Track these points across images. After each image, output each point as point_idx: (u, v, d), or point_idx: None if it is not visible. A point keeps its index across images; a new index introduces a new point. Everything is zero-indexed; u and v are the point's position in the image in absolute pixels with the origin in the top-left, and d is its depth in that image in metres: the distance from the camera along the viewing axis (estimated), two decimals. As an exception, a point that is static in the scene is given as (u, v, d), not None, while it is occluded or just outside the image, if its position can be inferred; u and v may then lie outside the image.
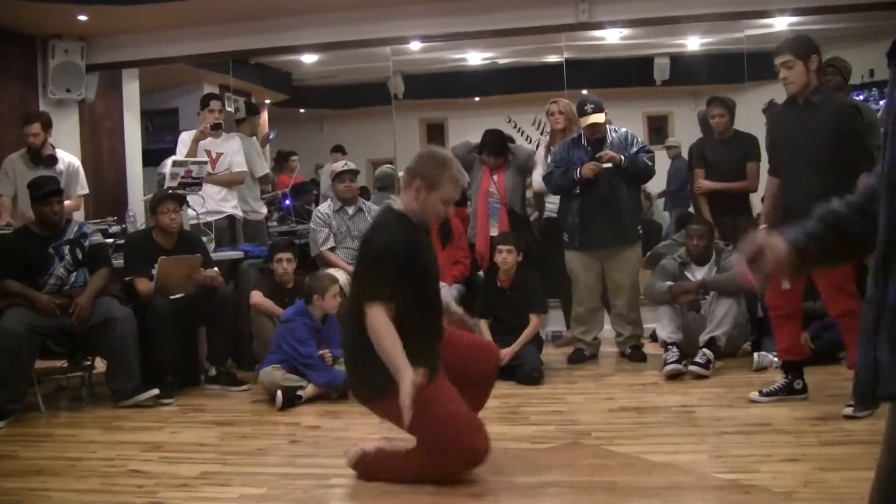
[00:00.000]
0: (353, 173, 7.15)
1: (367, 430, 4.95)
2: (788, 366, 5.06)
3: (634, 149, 6.46)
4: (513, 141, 7.25)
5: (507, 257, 6.28)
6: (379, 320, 3.58)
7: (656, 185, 9.17)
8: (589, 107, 6.40)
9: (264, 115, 10.56)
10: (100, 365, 6.09)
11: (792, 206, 4.76)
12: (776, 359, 5.81)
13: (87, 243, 5.98)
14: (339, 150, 9.94)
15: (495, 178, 6.94)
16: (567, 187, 6.48)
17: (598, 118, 6.37)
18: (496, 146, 6.96)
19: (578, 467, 4.02)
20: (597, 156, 6.35)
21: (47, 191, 5.87)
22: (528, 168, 7.10)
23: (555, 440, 4.47)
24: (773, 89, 7.51)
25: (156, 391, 5.72)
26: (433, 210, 3.85)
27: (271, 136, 9.79)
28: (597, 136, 6.46)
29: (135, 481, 4.09)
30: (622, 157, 6.34)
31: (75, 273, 5.89)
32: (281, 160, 10.13)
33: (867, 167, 4.65)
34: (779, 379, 5.14)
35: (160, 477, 4.14)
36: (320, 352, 5.81)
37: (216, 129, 7.25)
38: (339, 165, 7.19)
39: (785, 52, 4.71)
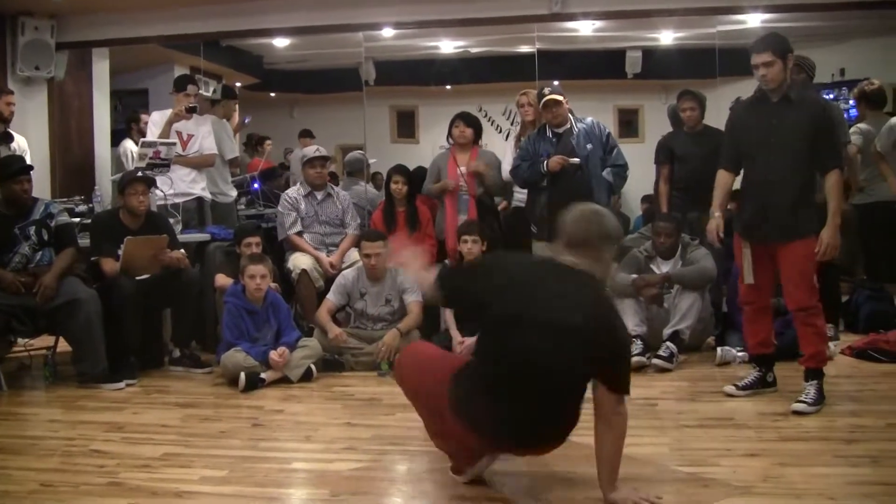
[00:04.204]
0: (325, 160, 7.15)
1: (330, 416, 4.96)
2: (761, 359, 5.11)
3: (604, 142, 6.43)
4: (482, 134, 7.28)
5: (472, 247, 6.29)
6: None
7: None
8: (546, 89, 6.43)
9: (237, 100, 10.53)
10: (63, 344, 6.06)
11: (768, 201, 4.81)
12: (740, 354, 5.87)
13: (53, 223, 5.93)
14: (307, 134, 9.94)
15: (463, 168, 6.95)
16: (534, 180, 6.48)
17: (556, 96, 6.35)
18: (471, 118, 7.02)
19: (539, 458, 4.04)
20: (549, 163, 6.32)
21: (17, 168, 5.83)
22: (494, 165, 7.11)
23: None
24: (744, 86, 7.53)
25: (123, 384, 5.68)
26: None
27: (246, 122, 9.75)
28: (559, 123, 6.43)
29: (96, 461, 4.07)
30: (577, 159, 6.32)
31: (41, 252, 5.84)
32: (253, 144, 10.09)
33: (837, 164, 4.74)
34: (746, 373, 5.19)
35: (121, 457, 4.13)
36: (273, 353, 5.76)
37: (191, 112, 7.21)
38: (311, 151, 7.18)
39: (765, 51, 4.73)
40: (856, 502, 3.32)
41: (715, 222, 5.15)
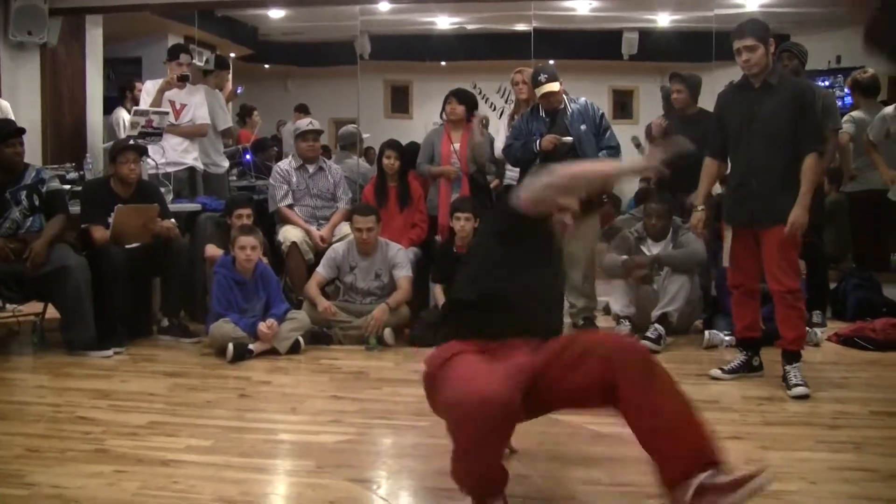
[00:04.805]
0: (317, 133, 7.14)
1: (316, 388, 4.98)
2: (747, 343, 5.13)
3: (597, 123, 6.43)
4: (477, 107, 7.27)
5: (464, 225, 6.26)
6: None
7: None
8: (543, 77, 6.38)
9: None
10: (51, 311, 6.05)
11: (747, 187, 4.85)
12: (727, 338, 5.89)
13: (44, 189, 5.90)
14: (302, 109, 9.89)
15: (456, 145, 6.95)
16: (527, 160, 6.46)
17: (552, 87, 6.34)
18: (464, 95, 7.01)
19: (524, 434, 4.02)
20: (542, 142, 6.31)
21: (9, 131, 5.81)
22: (482, 152, 7.09)
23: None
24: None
25: (111, 352, 5.68)
26: None
27: (238, 92, 9.71)
28: (554, 107, 6.44)
29: (82, 428, 4.08)
30: (570, 138, 6.31)
31: (31, 218, 5.82)
32: (244, 115, 10.06)
33: (816, 148, 4.73)
34: (732, 357, 5.21)
35: (108, 425, 4.13)
36: (262, 325, 5.77)
37: (183, 81, 7.18)
38: (304, 124, 7.16)
39: (748, 36, 4.72)
40: (836, 486, 3.34)
41: (697, 216, 5.19)
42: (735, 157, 4.99)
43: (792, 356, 4.81)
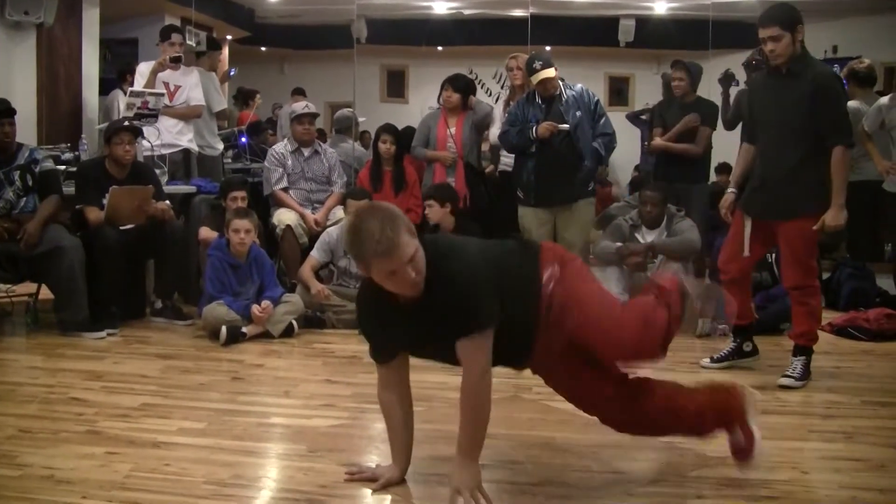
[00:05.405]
0: (313, 116, 7.14)
1: (309, 372, 4.99)
2: (737, 329, 5.12)
3: (592, 110, 6.41)
4: (475, 92, 7.26)
5: (429, 212, 6.39)
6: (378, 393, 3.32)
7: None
8: (538, 64, 6.33)
9: (225, 51, 10.43)
10: (45, 291, 6.05)
11: (766, 176, 4.77)
12: (721, 326, 5.89)
13: (38, 169, 5.89)
14: (299, 92, 9.89)
15: (452, 130, 6.94)
16: (523, 146, 6.43)
17: (548, 73, 6.31)
18: (461, 82, 6.99)
19: (517, 421, 4.06)
20: (539, 129, 6.29)
21: (-1, 111, 5.80)
22: (484, 125, 7.12)
23: (495, 393, 4.46)
24: (736, 58, 7.56)
25: (104, 334, 5.68)
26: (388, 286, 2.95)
27: (231, 74, 9.69)
28: (550, 93, 6.41)
29: (75, 409, 4.08)
30: (567, 125, 6.29)
31: (25, 198, 5.81)
32: (244, 98, 10.03)
33: (843, 140, 4.56)
34: (727, 345, 5.21)
35: (100, 406, 4.13)
36: (255, 307, 5.77)
37: (176, 62, 7.15)
38: (300, 107, 7.15)
39: (772, 25, 4.55)
40: (827, 476, 3.36)
41: (725, 198, 5.10)
42: (759, 146, 4.91)
43: (798, 349, 4.80)
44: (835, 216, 4.54)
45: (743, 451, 3.23)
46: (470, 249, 3.09)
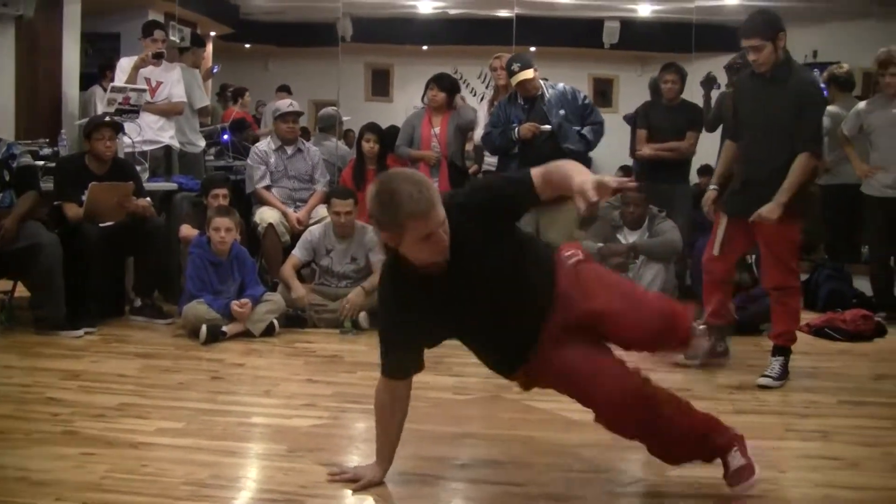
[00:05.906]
0: (297, 115, 7.12)
1: (290, 371, 4.97)
2: (712, 329, 5.14)
3: (579, 105, 6.36)
4: (460, 92, 7.25)
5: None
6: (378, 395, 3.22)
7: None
8: (516, 66, 6.27)
9: (209, 48, 10.38)
10: (21, 288, 6.00)
11: (749, 177, 4.79)
12: (701, 327, 5.90)
13: (15, 164, 5.82)
14: (284, 90, 9.88)
15: (437, 129, 6.94)
16: (506, 147, 6.39)
17: (526, 75, 6.26)
18: (447, 82, 6.99)
19: (497, 420, 4.07)
20: (521, 130, 6.26)
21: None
22: (468, 128, 7.09)
23: (476, 392, 4.51)
24: (719, 62, 7.60)
25: (82, 332, 5.63)
26: (418, 254, 2.87)
27: (214, 71, 9.65)
28: (531, 94, 6.38)
29: (51, 409, 4.04)
30: (549, 126, 6.27)
31: (1, 194, 5.74)
32: (233, 95, 9.99)
33: (810, 147, 4.63)
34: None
35: (77, 406, 4.10)
36: (235, 303, 5.74)
37: (158, 58, 7.11)
38: (284, 105, 7.14)
39: (754, 37, 4.62)
40: (804, 474, 3.40)
41: (708, 195, 5.12)
42: (741, 147, 4.94)
43: (777, 349, 4.83)
44: (771, 210, 4.59)
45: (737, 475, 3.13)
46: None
